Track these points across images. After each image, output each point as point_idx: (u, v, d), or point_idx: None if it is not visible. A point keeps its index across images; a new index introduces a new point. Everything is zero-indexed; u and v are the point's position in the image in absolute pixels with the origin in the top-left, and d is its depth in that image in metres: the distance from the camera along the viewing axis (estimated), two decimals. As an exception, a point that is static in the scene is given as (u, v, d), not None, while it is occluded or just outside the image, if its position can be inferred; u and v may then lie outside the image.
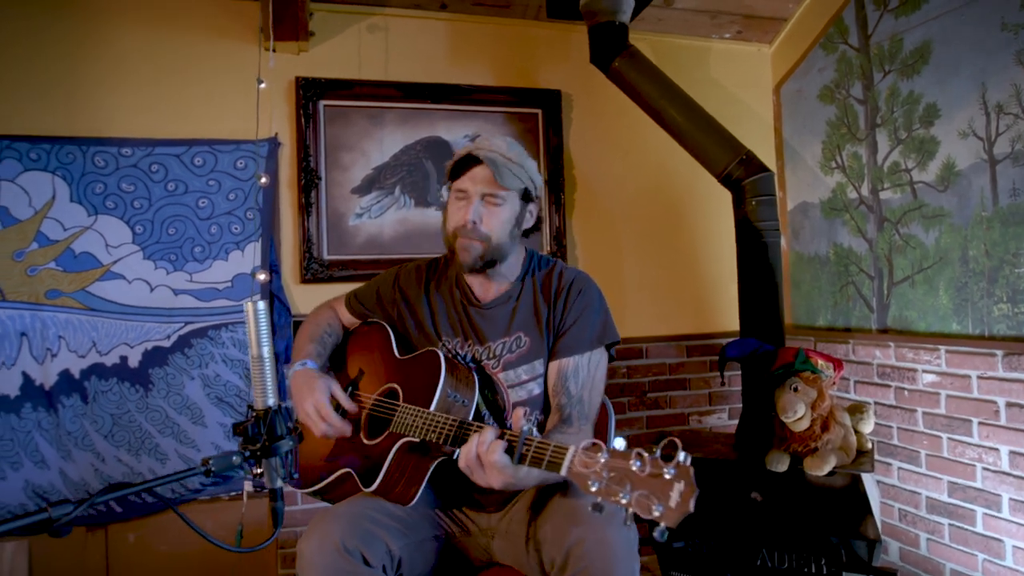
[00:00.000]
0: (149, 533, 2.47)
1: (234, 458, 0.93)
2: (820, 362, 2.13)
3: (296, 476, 1.10)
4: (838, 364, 2.15)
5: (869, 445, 2.26)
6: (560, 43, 2.93)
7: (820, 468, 2.01)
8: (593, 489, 1.00)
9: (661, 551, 2.22)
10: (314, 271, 2.61)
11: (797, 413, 2.01)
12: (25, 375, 2.35)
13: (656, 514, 0.94)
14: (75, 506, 0.79)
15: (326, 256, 2.64)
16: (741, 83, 3.20)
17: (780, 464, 2.07)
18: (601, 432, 1.62)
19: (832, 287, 2.94)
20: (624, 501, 0.97)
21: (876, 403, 2.70)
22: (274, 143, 2.59)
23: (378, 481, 1.36)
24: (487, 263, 1.52)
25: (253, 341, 0.94)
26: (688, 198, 3.10)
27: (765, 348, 2.25)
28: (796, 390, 2.04)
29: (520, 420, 1.19)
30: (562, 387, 1.49)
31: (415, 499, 1.38)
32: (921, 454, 2.52)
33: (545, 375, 1.54)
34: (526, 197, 1.59)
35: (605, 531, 1.25)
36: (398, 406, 1.45)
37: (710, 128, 2.44)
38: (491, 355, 1.54)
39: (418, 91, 2.74)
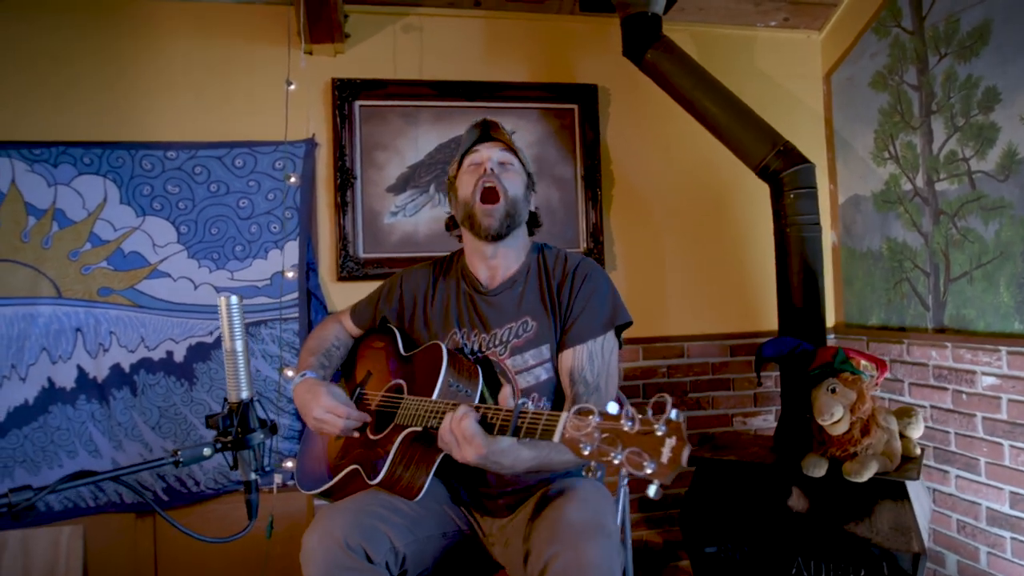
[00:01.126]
0: (193, 521, 2.56)
1: (205, 450, 0.95)
2: (862, 362, 2.03)
3: (269, 468, 1.11)
4: (882, 365, 2.04)
5: (918, 451, 2.13)
6: (597, 37, 2.88)
7: (860, 474, 1.91)
8: (586, 452, 1.00)
9: (692, 553, 2.16)
10: (350, 269, 2.65)
11: (834, 416, 1.91)
12: (80, 368, 2.48)
13: (648, 471, 0.94)
14: (35, 492, 0.82)
15: (361, 254, 2.68)
16: (789, 72, 3.08)
17: (817, 469, 1.98)
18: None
19: (886, 284, 2.79)
20: (616, 461, 0.97)
21: (932, 407, 2.55)
22: (311, 144, 2.65)
23: (383, 472, 1.36)
24: (509, 223, 1.53)
25: (227, 335, 0.97)
26: (733, 193, 3.00)
27: (804, 347, 2.15)
28: (834, 392, 1.94)
29: (507, 399, 1.19)
30: (579, 376, 1.47)
31: (421, 493, 1.37)
32: (980, 462, 2.36)
33: (553, 361, 1.52)
34: (529, 182, 1.63)
35: (585, 548, 1.21)
36: (403, 399, 1.46)
37: (746, 118, 2.35)
38: (497, 342, 1.53)
39: (452, 89, 2.75)
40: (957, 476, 2.47)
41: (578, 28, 2.89)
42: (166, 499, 2.52)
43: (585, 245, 2.85)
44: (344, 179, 2.66)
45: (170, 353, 2.54)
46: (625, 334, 2.89)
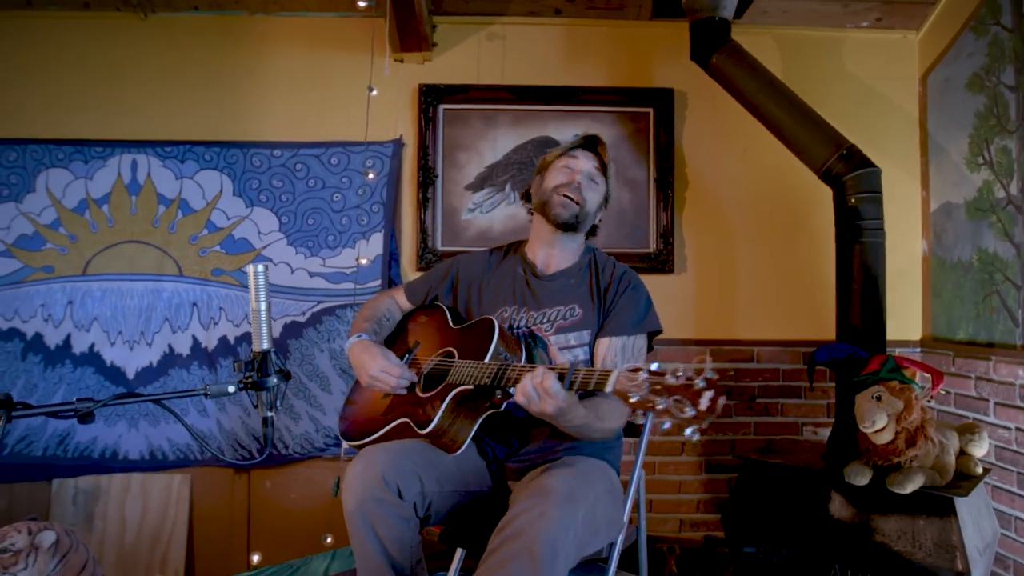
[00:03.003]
0: (282, 481, 2.87)
1: (229, 387, 1.15)
2: (917, 373, 1.97)
3: (279, 406, 1.29)
4: (938, 376, 1.97)
5: (979, 470, 2.03)
6: (674, 42, 2.92)
7: (903, 486, 1.87)
8: (633, 400, 1.17)
9: (732, 552, 2.18)
10: (428, 260, 2.86)
11: (876, 424, 1.88)
12: (194, 338, 2.85)
13: (689, 415, 1.11)
14: (93, 403, 1.03)
15: (439, 247, 2.88)
16: (881, 74, 2.97)
17: (860, 477, 1.95)
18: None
19: (975, 297, 2.64)
20: (661, 407, 1.13)
21: (1017, 429, 2.39)
22: (398, 144, 2.89)
23: (433, 424, 1.52)
24: (575, 223, 1.74)
25: (253, 297, 1.16)
26: (809, 198, 2.93)
27: (860, 354, 2.11)
28: (879, 399, 1.90)
29: (557, 354, 1.42)
30: (611, 362, 1.65)
31: (462, 448, 1.54)
32: (1065, 490, 2.20)
33: (591, 346, 1.69)
34: (605, 200, 1.85)
35: (548, 508, 1.33)
36: (454, 362, 1.62)
37: (809, 121, 2.33)
38: (546, 319, 1.72)
39: (530, 93, 2.90)
40: (1041, 504, 2.31)
41: (656, 33, 2.95)
42: (259, 458, 2.84)
43: (655, 246, 2.91)
44: (426, 177, 2.87)
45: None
46: (693, 334, 2.98)
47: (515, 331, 1.72)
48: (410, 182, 2.91)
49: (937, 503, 1.87)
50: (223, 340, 2.85)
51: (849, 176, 2.23)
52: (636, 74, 2.95)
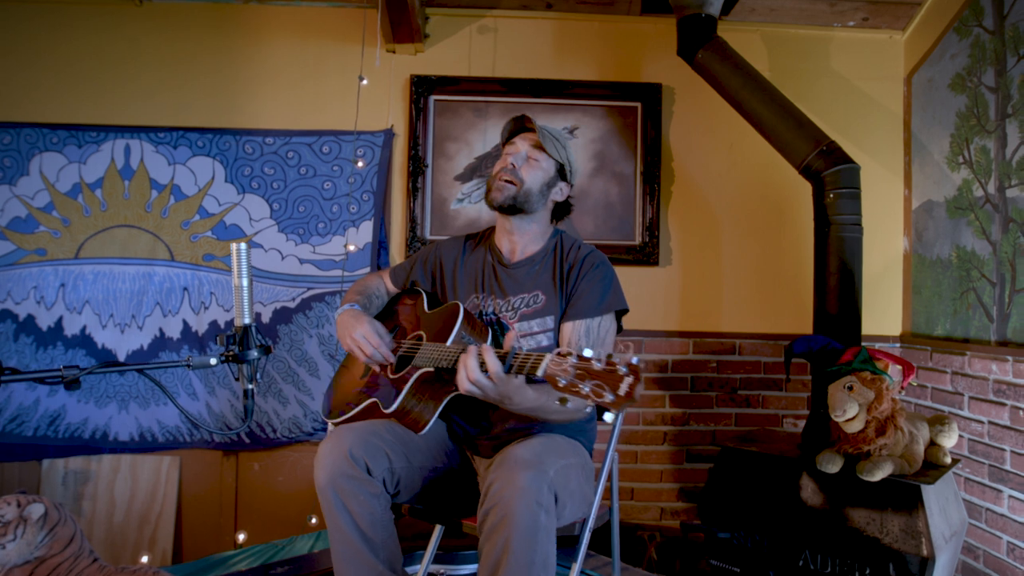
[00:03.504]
0: (270, 464, 2.92)
1: (211, 359, 1.19)
2: (890, 365, 2.02)
3: (259, 379, 1.33)
4: (908, 368, 2.02)
5: (947, 460, 2.09)
6: (663, 38, 2.96)
7: (872, 473, 1.92)
8: (561, 384, 1.20)
9: (707, 537, 2.23)
10: (416, 248, 2.90)
11: (847, 413, 1.93)
12: (185, 322, 2.88)
13: (608, 400, 1.14)
14: (80, 370, 1.07)
15: (428, 236, 2.92)
16: (867, 73, 3.02)
17: (831, 465, 2.00)
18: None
19: (953, 293, 2.69)
20: (584, 392, 1.17)
21: (990, 423, 2.45)
22: (389, 134, 2.92)
23: (396, 403, 1.58)
24: (513, 205, 1.74)
25: (235, 273, 1.20)
26: (794, 194, 2.98)
27: (833, 345, 2.16)
28: (851, 389, 1.95)
29: (512, 340, 1.40)
30: (575, 346, 1.66)
31: (427, 428, 1.59)
32: (1034, 482, 2.26)
33: (555, 331, 1.72)
34: (561, 174, 1.81)
35: (517, 475, 1.38)
36: (422, 345, 1.67)
37: (790, 118, 2.37)
38: (510, 307, 1.74)
39: (521, 86, 2.93)
40: (1011, 496, 2.36)
41: (645, 29, 2.99)
42: (248, 442, 2.89)
43: (641, 239, 2.95)
44: (416, 167, 2.91)
45: (258, 315, 2.89)
46: (677, 326, 3.01)
47: (484, 317, 1.77)
48: (400, 172, 2.95)
49: (905, 491, 1.93)
50: (213, 324, 2.89)
51: (828, 172, 2.28)
52: (625, 69, 2.99)
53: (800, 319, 2.99)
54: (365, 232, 2.90)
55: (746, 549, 2.15)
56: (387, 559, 1.56)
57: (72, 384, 1.08)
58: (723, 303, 2.99)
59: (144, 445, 2.87)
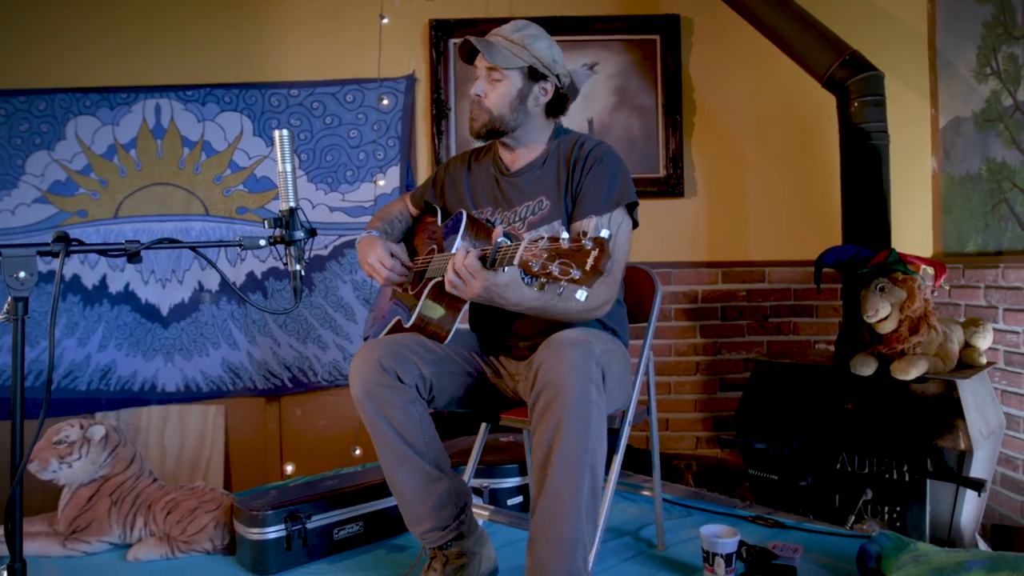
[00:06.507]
0: (312, 409, 3.01)
1: (260, 240, 1.25)
2: (922, 267, 2.03)
3: (307, 261, 1.38)
4: (940, 268, 2.02)
5: (983, 360, 2.09)
6: (683, -34, 2.95)
7: (907, 372, 1.93)
8: (535, 269, 1.20)
9: (744, 450, 2.27)
10: (443, 192, 2.95)
11: (879, 313, 1.94)
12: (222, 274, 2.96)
13: (575, 276, 1.15)
14: (140, 244, 1.14)
15: (454, 179, 2.96)
16: (889, -8, 2.97)
17: (865, 368, 2.02)
18: (644, 303, 1.76)
19: (984, 207, 2.67)
20: (555, 272, 1.17)
21: (1025, 332, 2.44)
22: (411, 79, 2.96)
23: (414, 316, 1.62)
24: (491, 132, 1.71)
25: (279, 159, 1.25)
26: (818, 119, 2.95)
27: (864, 253, 2.17)
28: (883, 290, 1.96)
29: (496, 235, 1.38)
30: None
31: (449, 336, 1.62)
32: (1071, 386, 2.25)
33: None
34: (532, 75, 1.70)
35: (566, 352, 1.40)
36: (433, 257, 1.71)
37: (811, 29, 2.35)
38: (517, 217, 1.74)
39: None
40: (1048, 403, 2.36)
41: (664, -41, 2.98)
42: (291, 386, 2.97)
43: (664, 171, 2.96)
44: (439, 111, 2.95)
45: (293, 263, 2.96)
46: (705, 256, 3.00)
47: (490, 221, 1.75)
48: (424, 116, 2.99)
49: (940, 387, 1.94)
50: (250, 276, 2.97)
51: (852, 80, 2.26)
52: (643, 1, 2.98)
53: (828, 243, 2.97)
54: (392, 177, 2.95)
55: (783, 457, 2.19)
56: (432, 459, 1.61)
57: (134, 257, 1.14)
58: (750, 231, 3.00)
59: (190, 395, 2.97)
